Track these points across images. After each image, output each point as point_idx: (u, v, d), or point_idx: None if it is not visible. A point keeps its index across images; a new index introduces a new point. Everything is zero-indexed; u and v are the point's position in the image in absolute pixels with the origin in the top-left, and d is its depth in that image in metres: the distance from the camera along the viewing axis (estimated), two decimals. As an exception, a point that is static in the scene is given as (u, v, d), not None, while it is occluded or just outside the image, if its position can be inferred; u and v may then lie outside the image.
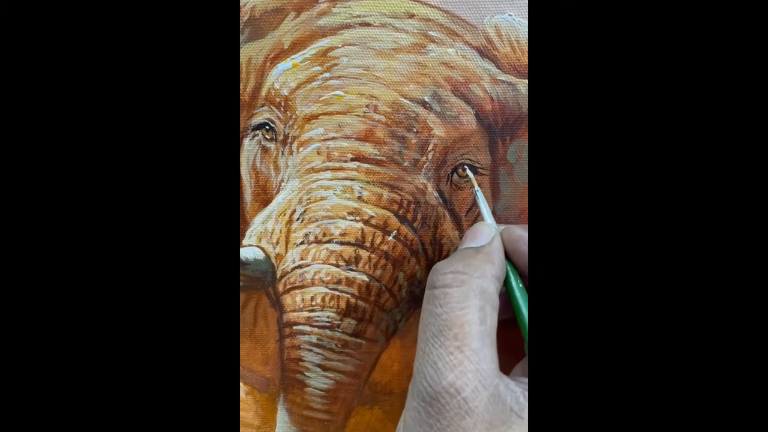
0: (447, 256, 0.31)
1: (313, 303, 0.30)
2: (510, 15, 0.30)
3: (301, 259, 0.30)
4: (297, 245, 0.30)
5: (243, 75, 0.31)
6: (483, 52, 0.30)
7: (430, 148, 0.30)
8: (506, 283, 0.26)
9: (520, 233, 0.26)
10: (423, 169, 0.30)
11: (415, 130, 0.30)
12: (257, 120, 0.31)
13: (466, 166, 0.30)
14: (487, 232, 0.26)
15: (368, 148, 0.30)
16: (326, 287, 0.30)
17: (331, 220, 0.30)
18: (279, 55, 0.30)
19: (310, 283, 0.30)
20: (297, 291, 0.30)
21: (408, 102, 0.30)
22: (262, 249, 0.31)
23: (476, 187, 0.29)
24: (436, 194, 0.31)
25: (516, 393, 0.22)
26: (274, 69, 0.30)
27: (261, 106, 0.31)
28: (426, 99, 0.30)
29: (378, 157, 0.30)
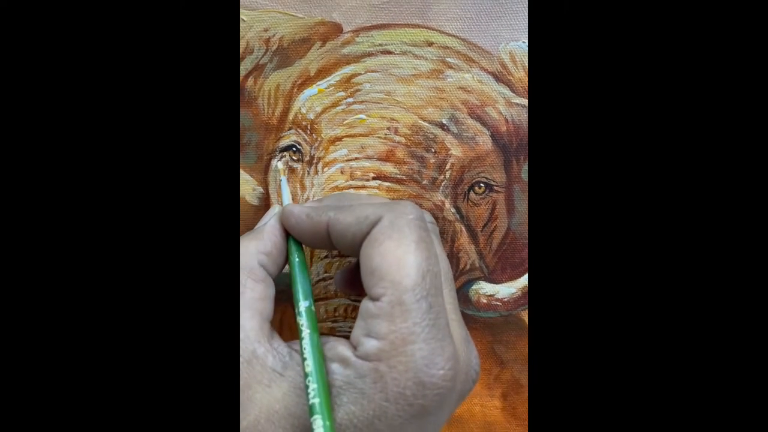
0: (464, 269, 0.32)
1: (336, 314, 0.31)
2: (523, 42, 0.31)
3: (326, 272, 0.31)
4: (321, 259, 0.31)
5: (272, 100, 0.31)
6: (498, 77, 0.31)
7: (447, 167, 0.31)
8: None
9: (290, 210, 0.26)
10: (441, 187, 0.31)
11: (433, 150, 0.31)
12: (285, 142, 0.32)
13: (280, 166, 0.31)
14: (269, 213, 0.28)
15: (389, 168, 0.31)
16: (349, 299, 0.31)
17: (354, 236, 0.30)
18: (305, 81, 0.31)
19: (333, 295, 0.31)
20: (321, 303, 0.31)
21: (427, 124, 0.31)
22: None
23: (282, 177, 0.30)
24: (453, 210, 0.31)
25: (282, 353, 0.23)
26: (301, 95, 0.31)
27: (288, 129, 0.32)
28: (444, 121, 0.31)
29: (398, 176, 0.31)
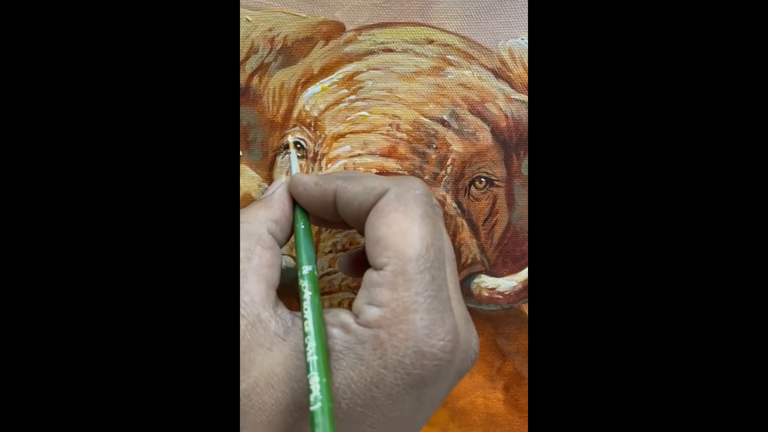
0: (465, 262, 0.32)
1: (341, 308, 0.32)
2: (522, 39, 0.31)
3: (330, 267, 0.32)
4: (326, 254, 0.32)
5: (276, 98, 0.32)
6: (498, 74, 0.31)
7: (448, 162, 0.31)
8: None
9: (299, 178, 0.27)
10: (442, 182, 0.32)
11: (434, 146, 0.31)
12: (289, 139, 0.32)
13: (291, 140, 0.32)
14: (275, 183, 0.28)
15: (391, 164, 0.31)
16: (352, 293, 0.32)
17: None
18: (309, 79, 0.32)
19: (338, 289, 0.32)
20: (326, 296, 0.32)
21: (428, 121, 0.31)
22: (294, 258, 0.32)
23: (291, 150, 0.31)
24: (454, 205, 0.32)
25: (285, 319, 0.23)
26: (304, 92, 0.32)
27: (293, 127, 0.32)
28: (445, 117, 0.31)
29: (400, 172, 0.31)
